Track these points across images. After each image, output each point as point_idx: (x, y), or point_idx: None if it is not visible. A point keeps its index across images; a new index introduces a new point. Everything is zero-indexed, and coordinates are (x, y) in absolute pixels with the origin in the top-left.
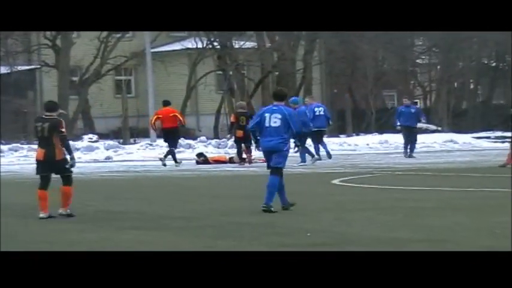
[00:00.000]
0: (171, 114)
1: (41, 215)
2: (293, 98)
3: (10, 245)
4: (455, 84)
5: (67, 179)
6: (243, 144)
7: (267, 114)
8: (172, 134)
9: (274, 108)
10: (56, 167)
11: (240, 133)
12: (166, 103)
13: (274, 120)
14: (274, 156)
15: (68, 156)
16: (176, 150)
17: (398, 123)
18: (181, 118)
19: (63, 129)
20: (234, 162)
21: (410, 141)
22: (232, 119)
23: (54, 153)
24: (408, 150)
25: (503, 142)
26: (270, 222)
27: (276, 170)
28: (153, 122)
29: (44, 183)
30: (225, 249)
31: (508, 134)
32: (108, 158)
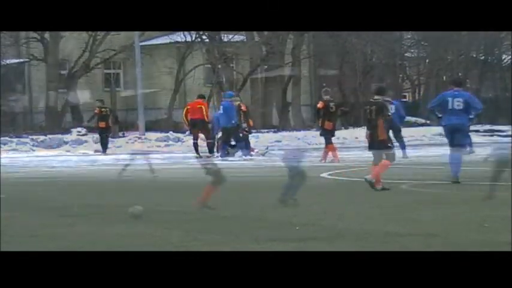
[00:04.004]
0: (198, 106)
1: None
2: (229, 92)
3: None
4: (444, 77)
5: (387, 155)
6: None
7: (449, 98)
8: (200, 125)
9: (456, 93)
10: (377, 145)
11: (251, 123)
12: (200, 96)
13: (457, 104)
14: (459, 135)
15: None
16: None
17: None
18: (205, 112)
19: (389, 112)
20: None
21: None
22: (244, 108)
23: (377, 134)
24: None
25: (491, 135)
26: (258, 215)
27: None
28: (184, 114)
29: (377, 160)
30: (213, 242)
31: (496, 127)
32: (96, 152)
